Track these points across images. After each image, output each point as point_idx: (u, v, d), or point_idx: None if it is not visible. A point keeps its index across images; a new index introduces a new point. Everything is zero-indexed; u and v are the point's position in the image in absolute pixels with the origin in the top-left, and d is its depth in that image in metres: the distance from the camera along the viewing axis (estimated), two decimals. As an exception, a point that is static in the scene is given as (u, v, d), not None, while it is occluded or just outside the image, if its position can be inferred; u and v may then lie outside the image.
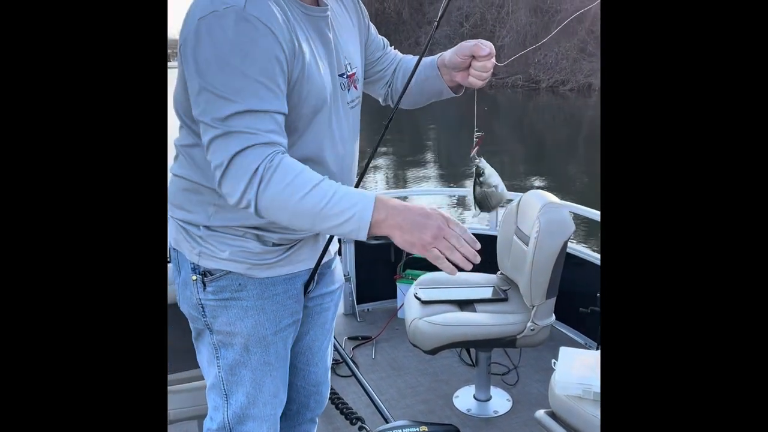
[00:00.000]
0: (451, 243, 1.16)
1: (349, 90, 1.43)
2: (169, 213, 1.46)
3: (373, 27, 1.62)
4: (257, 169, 1.18)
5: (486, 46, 1.47)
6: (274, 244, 1.42)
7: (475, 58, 1.49)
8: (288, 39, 1.24)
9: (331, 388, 2.52)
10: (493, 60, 1.49)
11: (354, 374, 2.64)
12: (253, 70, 1.19)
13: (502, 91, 28.40)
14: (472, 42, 1.48)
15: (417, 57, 1.65)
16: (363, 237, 1.17)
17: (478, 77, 1.50)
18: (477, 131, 1.47)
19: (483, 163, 1.47)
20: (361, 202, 1.16)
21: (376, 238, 1.19)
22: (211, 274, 1.41)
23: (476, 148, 1.46)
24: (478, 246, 1.18)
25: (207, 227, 1.40)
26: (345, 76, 1.42)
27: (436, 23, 1.57)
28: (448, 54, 1.54)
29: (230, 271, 1.40)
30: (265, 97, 1.20)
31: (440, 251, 1.16)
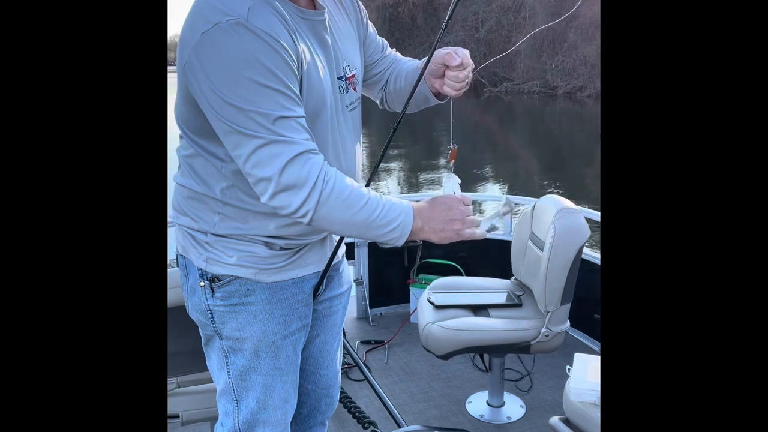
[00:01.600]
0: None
1: (348, 92, 1.43)
2: (175, 220, 1.46)
3: (372, 27, 1.60)
4: (316, 181, 1.21)
5: (458, 56, 1.43)
6: (281, 248, 1.42)
7: (448, 68, 1.45)
8: (292, 46, 1.24)
9: (344, 392, 2.52)
10: (467, 71, 1.44)
11: (367, 378, 2.63)
12: (268, 79, 1.18)
13: (518, 97, 28.26)
14: (446, 50, 1.44)
15: (412, 59, 1.63)
16: (401, 243, 1.30)
17: (451, 87, 1.46)
18: (452, 144, 1.42)
19: (446, 178, 1.41)
20: (403, 213, 1.28)
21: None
22: (219, 280, 1.41)
23: (452, 161, 1.41)
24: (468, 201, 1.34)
25: (214, 234, 1.40)
26: (344, 79, 1.41)
27: (443, 26, 1.54)
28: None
29: (238, 276, 1.40)
30: (288, 105, 1.21)
31: (470, 229, 1.31)
